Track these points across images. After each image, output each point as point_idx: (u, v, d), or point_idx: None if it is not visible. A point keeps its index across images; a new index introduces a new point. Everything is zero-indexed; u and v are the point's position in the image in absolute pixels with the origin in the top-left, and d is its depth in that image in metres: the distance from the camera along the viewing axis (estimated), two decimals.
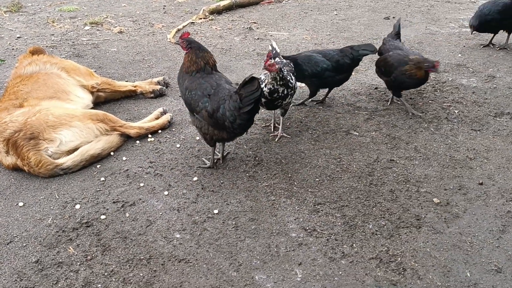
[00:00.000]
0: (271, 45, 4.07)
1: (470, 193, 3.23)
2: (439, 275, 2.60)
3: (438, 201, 3.17)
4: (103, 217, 3.11)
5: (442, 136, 3.92)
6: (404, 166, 3.55)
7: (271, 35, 6.50)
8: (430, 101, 4.49)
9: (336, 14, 7.33)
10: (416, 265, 2.66)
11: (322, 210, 3.12)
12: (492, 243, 2.81)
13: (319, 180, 3.44)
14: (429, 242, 2.82)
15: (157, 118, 4.14)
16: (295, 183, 3.39)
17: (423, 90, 4.67)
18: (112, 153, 3.78)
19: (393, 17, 7.02)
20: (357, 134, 4.03)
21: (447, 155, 3.66)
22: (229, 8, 7.58)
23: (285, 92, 3.64)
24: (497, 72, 5.06)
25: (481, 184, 3.32)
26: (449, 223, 2.97)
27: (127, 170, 3.58)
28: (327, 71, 4.19)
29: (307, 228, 2.97)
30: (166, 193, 3.30)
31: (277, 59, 3.89)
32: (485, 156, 3.63)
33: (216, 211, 3.11)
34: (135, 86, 4.65)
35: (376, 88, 4.82)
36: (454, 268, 2.64)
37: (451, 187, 3.30)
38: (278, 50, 4.09)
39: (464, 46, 5.84)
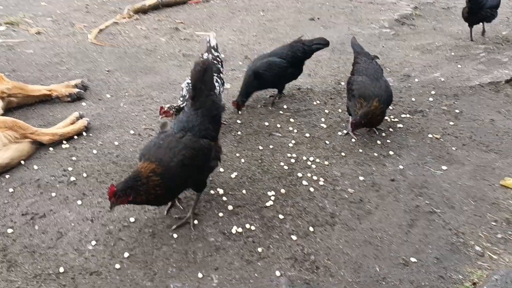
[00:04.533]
0: (208, 37, 4.20)
1: (382, 190, 3.37)
2: (350, 271, 2.68)
3: (352, 198, 3.27)
4: (10, 231, 2.93)
5: (358, 135, 4.05)
6: (322, 165, 3.64)
7: (198, 36, 6.44)
8: None
9: (263, 15, 7.39)
10: (329, 262, 2.74)
11: (241, 213, 3.12)
12: (401, 237, 2.94)
13: (240, 182, 3.44)
14: (342, 239, 2.91)
15: (72, 123, 3.97)
16: (216, 186, 3.37)
17: (343, 90, 4.82)
18: (22, 162, 3.57)
19: (318, 18, 7.19)
20: (280, 135, 4.08)
21: (362, 153, 3.80)
22: (155, 8, 7.42)
23: None
24: (412, 72, 5.31)
25: (393, 180, 3.47)
26: (361, 220, 3.08)
27: (39, 179, 3.40)
28: (288, 68, 4.37)
29: (226, 232, 2.96)
30: (79, 202, 3.17)
31: (207, 55, 4.09)
32: (398, 153, 3.80)
33: (132, 219, 3.03)
34: (50, 90, 4.42)
35: (299, 89, 4.90)
36: (365, 263, 2.74)
37: (365, 184, 3.42)
38: (213, 44, 4.16)
39: (383, 47, 6.09)
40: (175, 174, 2.73)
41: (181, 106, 3.71)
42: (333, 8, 7.83)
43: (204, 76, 3.02)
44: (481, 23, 6.35)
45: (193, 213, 3.03)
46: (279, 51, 4.45)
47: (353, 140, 3.99)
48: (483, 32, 6.53)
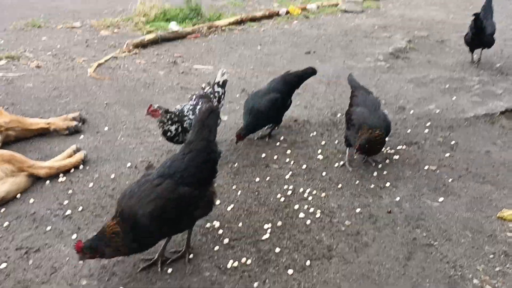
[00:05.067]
0: (219, 71, 4.31)
1: (379, 222, 3.35)
2: None
3: (349, 230, 3.25)
4: (3, 265, 2.89)
5: (355, 166, 4.06)
6: (319, 197, 3.64)
7: (196, 69, 6.54)
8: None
9: (260, 49, 7.53)
10: None
11: (237, 246, 3.10)
12: (398, 271, 2.90)
13: (237, 215, 3.43)
14: (339, 272, 2.88)
15: (70, 156, 3.98)
16: (212, 219, 3.36)
17: (339, 122, 4.86)
18: (19, 195, 3.57)
19: (314, 52, 7.33)
20: (276, 166, 4.09)
21: (359, 185, 3.80)
22: (154, 42, 7.56)
23: (179, 129, 3.81)
24: (407, 104, 5.38)
25: (390, 212, 3.46)
26: (358, 253, 3.05)
27: (34, 213, 3.39)
28: (286, 100, 4.55)
29: (221, 266, 2.92)
30: (74, 236, 3.15)
31: (208, 87, 4.20)
32: (394, 184, 3.81)
33: None
34: (48, 123, 4.46)
35: (295, 120, 4.95)
36: None
37: (362, 216, 3.41)
38: (218, 80, 4.27)
39: (378, 80, 6.18)
40: (144, 229, 2.61)
41: (175, 112, 3.83)
42: (328, 42, 7.98)
43: (206, 120, 2.92)
44: (479, 49, 6.84)
45: (187, 248, 3.00)
46: (274, 85, 4.51)
47: (349, 170, 4.00)
48: (479, 60, 6.87)
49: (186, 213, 2.82)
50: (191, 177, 2.76)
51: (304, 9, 10.44)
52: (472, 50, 6.89)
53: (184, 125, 3.85)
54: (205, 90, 4.22)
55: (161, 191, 2.68)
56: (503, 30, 8.89)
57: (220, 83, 4.27)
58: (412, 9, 11.14)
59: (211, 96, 4.15)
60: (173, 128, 3.80)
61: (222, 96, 4.29)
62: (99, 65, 6.43)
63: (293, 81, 4.60)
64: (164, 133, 3.84)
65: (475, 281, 2.82)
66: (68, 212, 3.39)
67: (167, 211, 2.67)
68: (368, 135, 3.72)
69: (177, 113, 3.86)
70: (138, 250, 2.75)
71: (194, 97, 4.13)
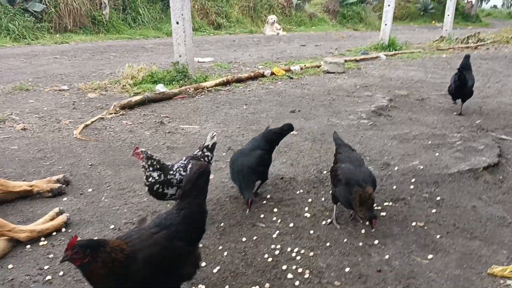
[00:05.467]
0: (209, 135, 4.33)
1: (369, 281, 3.28)
2: None
3: None
4: None
5: (342, 223, 4.03)
6: (307, 257, 3.57)
7: (182, 129, 6.59)
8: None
9: (246, 108, 7.67)
10: None
11: None
12: None
13: (223, 277, 3.33)
14: None
15: (52, 219, 3.89)
16: (198, 282, 3.25)
17: (325, 179, 4.87)
18: None
19: (299, 111, 7.48)
20: (263, 225, 4.04)
21: (347, 243, 3.75)
22: (141, 103, 7.66)
23: (162, 178, 3.79)
24: (392, 160, 5.44)
25: (379, 271, 3.39)
26: None
27: (13, 279, 3.25)
28: (270, 156, 4.62)
29: None
30: None
31: (198, 151, 4.20)
32: (382, 242, 3.76)
33: None
34: (31, 186, 4.39)
35: (281, 178, 4.95)
36: None
37: (351, 276, 3.33)
38: (207, 143, 4.27)
39: (361, 137, 6.28)
40: (137, 271, 2.53)
41: (158, 159, 3.83)
42: (312, 101, 8.18)
43: (198, 180, 2.98)
44: (460, 101, 7.72)
45: None
46: (257, 143, 4.56)
47: (337, 227, 3.96)
48: (460, 111, 7.58)
49: (177, 269, 2.76)
50: (183, 233, 2.78)
51: (288, 70, 10.78)
52: (454, 99, 7.93)
53: (169, 178, 3.82)
54: (195, 153, 4.23)
55: (158, 238, 2.66)
56: (480, 88, 9.24)
57: (209, 146, 4.29)
58: (391, 69, 11.56)
59: (201, 160, 4.16)
60: (155, 174, 3.77)
61: (211, 159, 4.29)
62: (86, 126, 6.45)
63: (273, 138, 4.70)
64: (146, 178, 3.79)
65: None
66: (49, 277, 3.26)
67: (163, 259, 2.63)
68: (365, 196, 3.68)
69: (160, 162, 3.86)
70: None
71: (184, 158, 4.15)
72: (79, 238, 2.46)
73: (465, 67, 7.42)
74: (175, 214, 2.86)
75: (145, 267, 2.56)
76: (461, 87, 7.28)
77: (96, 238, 2.61)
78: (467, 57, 7.62)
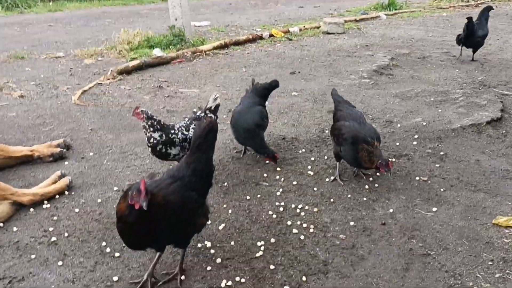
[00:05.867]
0: (211, 96, 4.22)
1: (374, 234, 3.29)
2: None
3: (344, 244, 3.18)
4: None
5: (346, 180, 4.02)
6: (311, 213, 3.57)
7: (181, 92, 6.51)
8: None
9: (245, 71, 7.55)
10: None
11: (230, 265, 3.00)
12: (397, 282, 2.83)
13: (228, 234, 3.34)
14: (337, 287, 2.79)
15: (54, 183, 3.87)
16: (204, 239, 3.26)
17: (327, 138, 4.84)
18: (1, 224, 3.43)
19: (299, 72, 7.37)
20: (267, 184, 4.03)
21: (351, 198, 3.74)
22: (138, 68, 7.54)
23: (164, 138, 3.74)
24: (394, 118, 5.39)
25: (384, 224, 3.40)
26: (355, 266, 2.97)
27: (18, 241, 3.25)
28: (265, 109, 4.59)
29: (215, 286, 2.82)
30: (60, 263, 3.02)
31: (200, 112, 4.11)
32: (386, 196, 3.76)
33: (115, 278, 2.87)
34: (31, 151, 4.35)
35: (283, 138, 4.91)
36: None
37: (356, 230, 3.34)
38: (210, 105, 4.16)
39: (363, 96, 6.20)
40: (163, 216, 2.58)
41: (158, 120, 3.78)
42: (312, 62, 8.05)
43: (207, 136, 2.97)
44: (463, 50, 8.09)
45: (180, 269, 2.90)
46: (252, 100, 4.53)
47: (341, 184, 3.95)
48: (472, 58, 8.06)
49: (193, 218, 2.82)
50: (194, 184, 2.82)
51: (286, 32, 10.57)
52: (462, 46, 8.02)
53: (171, 137, 3.78)
54: (197, 114, 4.15)
55: (176, 188, 2.71)
56: (483, 46, 9.08)
57: (212, 108, 4.19)
58: (392, 29, 11.34)
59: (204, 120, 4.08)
60: (156, 135, 3.73)
61: None
62: (84, 92, 6.37)
63: (264, 93, 4.72)
64: (148, 139, 3.76)
65: None
66: (54, 239, 3.27)
67: (182, 207, 2.69)
68: (375, 151, 3.66)
69: (161, 122, 3.80)
70: (137, 238, 2.61)
71: (187, 119, 4.10)
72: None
73: (481, 19, 7.74)
74: (185, 167, 2.88)
75: (170, 215, 2.61)
76: (469, 36, 7.57)
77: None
78: (486, 9, 7.83)
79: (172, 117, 5.55)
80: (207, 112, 4.16)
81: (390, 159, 3.71)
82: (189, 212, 2.78)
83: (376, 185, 3.93)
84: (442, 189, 3.86)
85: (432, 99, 6.00)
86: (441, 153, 4.49)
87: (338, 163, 4.11)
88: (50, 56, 8.53)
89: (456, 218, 3.47)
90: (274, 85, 4.79)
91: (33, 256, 3.10)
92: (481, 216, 3.49)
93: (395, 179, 4.03)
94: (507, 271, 2.89)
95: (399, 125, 5.16)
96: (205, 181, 2.96)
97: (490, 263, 2.98)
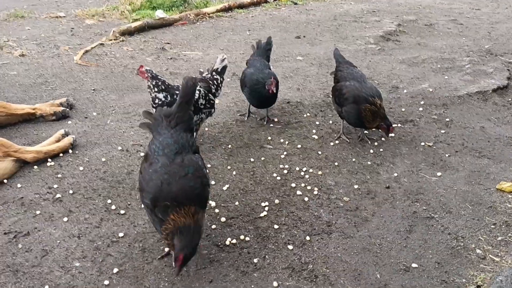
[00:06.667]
0: (219, 58, 4.19)
1: (378, 197, 3.30)
2: (350, 279, 2.58)
3: (348, 206, 3.19)
4: None
5: (350, 144, 4.00)
6: (315, 175, 3.57)
7: (184, 55, 6.41)
8: None
9: (249, 34, 7.42)
10: (328, 271, 2.63)
11: (235, 224, 3.02)
12: (400, 244, 2.85)
13: (233, 194, 3.35)
14: (340, 247, 2.82)
15: (58, 141, 3.85)
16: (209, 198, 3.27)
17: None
18: (5, 181, 3.43)
19: (304, 36, 7.24)
20: (271, 147, 4.01)
21: (355, 162, 3.74)
22: (141, 30, 7.39)
23: (169, 99, 3.67)
24: (400, 83, 5.33)
25: (388, 187, 3.40)
26: (358, 227, 2.99)
27: (22, 198, 3.26)
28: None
29: (219, 243, 2.85)
30: (65, 219, 3.04)
31: (206, 74, 4.09)
32: (391, 161, 3.75)
33: (121, 234, 2.90)
34: (34, 109, 4.31)
35: (288, 102, 4.87)
36: (365, 271, 2.64)
37: (360, 192, 3.35)
38: (217, 67, 4.12)
39: (370, 61, 6.12)
40: (204, 197, 2.62)
41: (163, 80, 3.76)
42: (318, 26, 7.90)
43: (193, 94, 2.97)
44: None
45: None
46: (263, 62, 4.48)
47: (347, 141, 3.99)
48: None
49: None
50: (192, 145, 2.79)
51: None
52: None
53: (176, 98, 3.74)
54: (204, 75, 4.11)
55: (190, 162, 2.62)
56: (490, 14, 8.91)
57: (219, 69, 4.13)
58: None
59: (210, 82, 4.02)
60: (161, 96, 3.67)
61: (220, 84, 4.16)
62: (86, 52, 6.27)
63: (268, 54, 4.71)
64: (152, 100, 3.72)
65: (478, 251, 2.78)
66: (58, 195, 3.28)
67: (206, 174, 2.71)
68: (379, 111, 3.69)
69: (166, 82, 3.76)
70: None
71: None
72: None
73: None
74: (176, 132, 2.77)
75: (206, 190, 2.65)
76: None
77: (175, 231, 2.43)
78: None
79: (176, 79, 5.48)
80: (214, 73, 4.10)
81: (392, 124, 3.70)
82: (205, 172, 2.78)
83: (381, 150, 3.92)
84: (447, 155, 3.85)
85: (439, 66, 5.92)
86: (447, 119, 4.46)
87: (342, 120, 4.09)
88: (51, 15, 8.34)
89: (460, 182, 3.47)
90: (269, 41, 4.73)
91: (38, 212, 3.11)
92: (485, 181, 3.50)
93: (400, 144, 4.01)
94: (509, 235, 2.92)
95: (405, 91, 5.10)
96: (192, 134, 2.94)
97: (492, 226, 3.00)
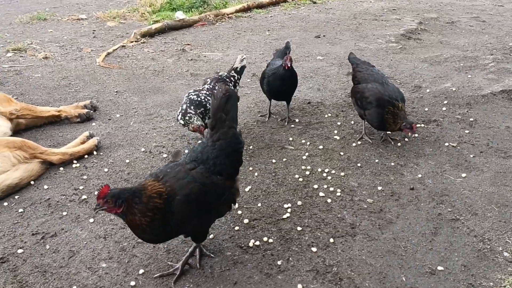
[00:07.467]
0: (238, 57, 4.24)
1: (402, 199, 3.27)
2: (376, 282, 2.56)
3: (372, 208, 3.17)
4: (20, 251, 2.85)
5: (373, 145, 3.97)
6: (338, 177, 3.55)
7: (205, 56, 6.45)
8: None
9: (269, 34, 7.42)
10: (353, 273, 2.62)
11: (258, 226, 3.03)
12: (425, 246, 2.82)
13: (255, 196, 3.36)
14: (365, 249, 2.80)
15: (83, 143, 3.92)
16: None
17: None
18: (32, 182, 3.52)
19: (324, 36, 7.21)
20: (292, 148, 4.01)
21: (378, 163, 3.71)
22: (161, 31, 7.47)
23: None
24: (423, 83, 5.26)
25: (412, 189, 3.37)
26: (383, 229, 2.96)
27: (49, 199, 3.33)
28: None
29: (243, 245, 2.86)
30: (91, 220, 3.09)
31: (223, 72, 4.15)
32: (415, 162, 3.71)
33: None
34: (59, 111, 4.40)
35: (309, 102, 4.86)
36: (390, 273, 2.62)
37: (384, 194, 3.32)
38: (236, 66, 4.18)
39: (391, 60, 6.06)
40: (177, 210, 2.35)
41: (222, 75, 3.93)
42: (338, 25, 7.86)
43: (227, 105, 2.62)
44: None
45: (182, 265, 2.63)
46: (281, 60, 4.43)
47: (370, 141, 3.98)
48: None
49: (216, 205, 2.58)
50: (220, 166, 2.55)
51: None
52: None
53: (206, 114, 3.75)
54: (220, 74, 4.14)
55: (196, 175, 2.46)
56: None
57: (238, 69, 4.17)
58: None
59: (227, 80, 4.05)
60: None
61: (238, 81, 4.19)
62: (108, 54, 6.36)
63: (289, 48, 4.66)
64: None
65: (505, 254, 2.73)
66: (84, 196, 3.34)
67: (204, 196, 2.44)
68: (400, 113, 3.66)
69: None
70: (153, 233, 2.37)
71: (209, 80, 4.06)
72: (111, 187, 2.29)
73: None
74: (211, 146, 2.59)
75: (185, 207, 2.37)
76: None
77: (131, 186, 2.47)
78: None
79: (196, 80, 5.52)
80: (232, 72, 4.12)
81: (414, 122, 3.66)
82: (212, 198, 2.52)
83: (404, 150, 3.88)
84: (471, 155, 3.79)
85: (462, 64, 5.83)
86: (471, 119, 4.39)
87: (364, 121, 4.06)
88: (73, 18, 8.50)
89: (485, 184, 3.41)
90: (287, 46, 4.69)
91: (64, 213, 3.17)
92: (511, 182, 3.43)
93: (423, 144, 3.97)
94: None
95: (428, 90, 5.04)
96: (234, 159, 2.66)
97: None
